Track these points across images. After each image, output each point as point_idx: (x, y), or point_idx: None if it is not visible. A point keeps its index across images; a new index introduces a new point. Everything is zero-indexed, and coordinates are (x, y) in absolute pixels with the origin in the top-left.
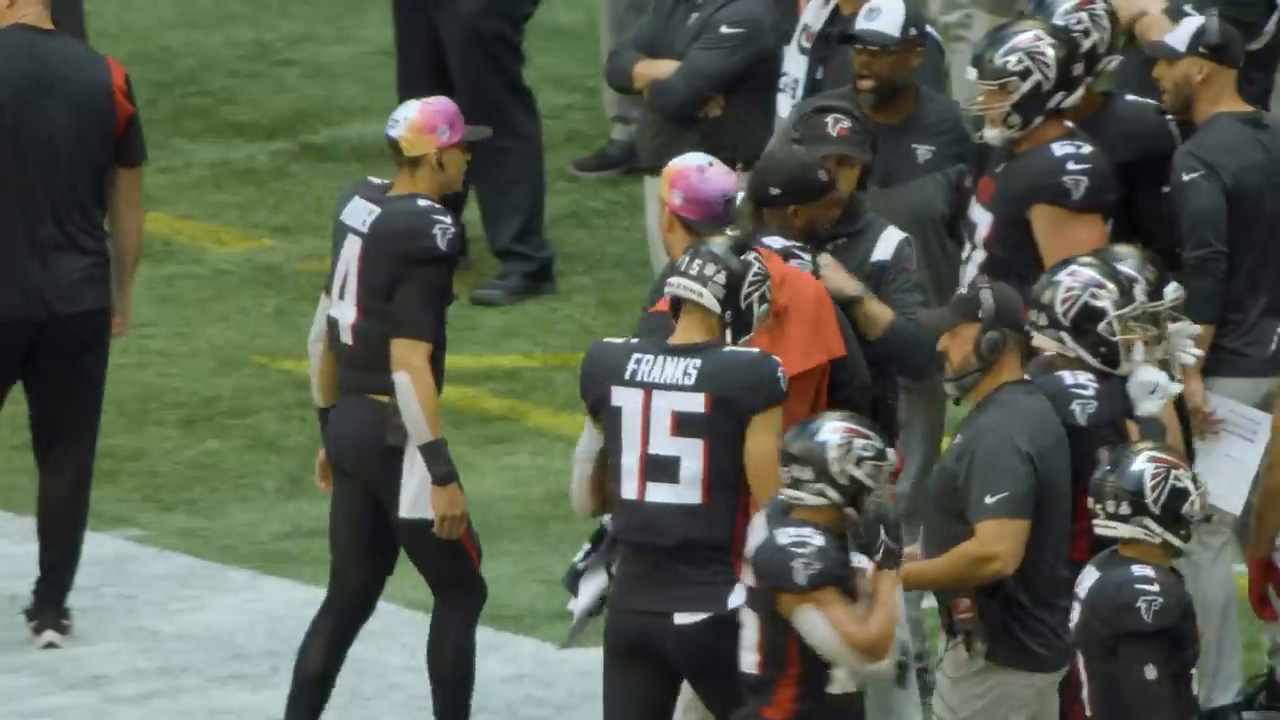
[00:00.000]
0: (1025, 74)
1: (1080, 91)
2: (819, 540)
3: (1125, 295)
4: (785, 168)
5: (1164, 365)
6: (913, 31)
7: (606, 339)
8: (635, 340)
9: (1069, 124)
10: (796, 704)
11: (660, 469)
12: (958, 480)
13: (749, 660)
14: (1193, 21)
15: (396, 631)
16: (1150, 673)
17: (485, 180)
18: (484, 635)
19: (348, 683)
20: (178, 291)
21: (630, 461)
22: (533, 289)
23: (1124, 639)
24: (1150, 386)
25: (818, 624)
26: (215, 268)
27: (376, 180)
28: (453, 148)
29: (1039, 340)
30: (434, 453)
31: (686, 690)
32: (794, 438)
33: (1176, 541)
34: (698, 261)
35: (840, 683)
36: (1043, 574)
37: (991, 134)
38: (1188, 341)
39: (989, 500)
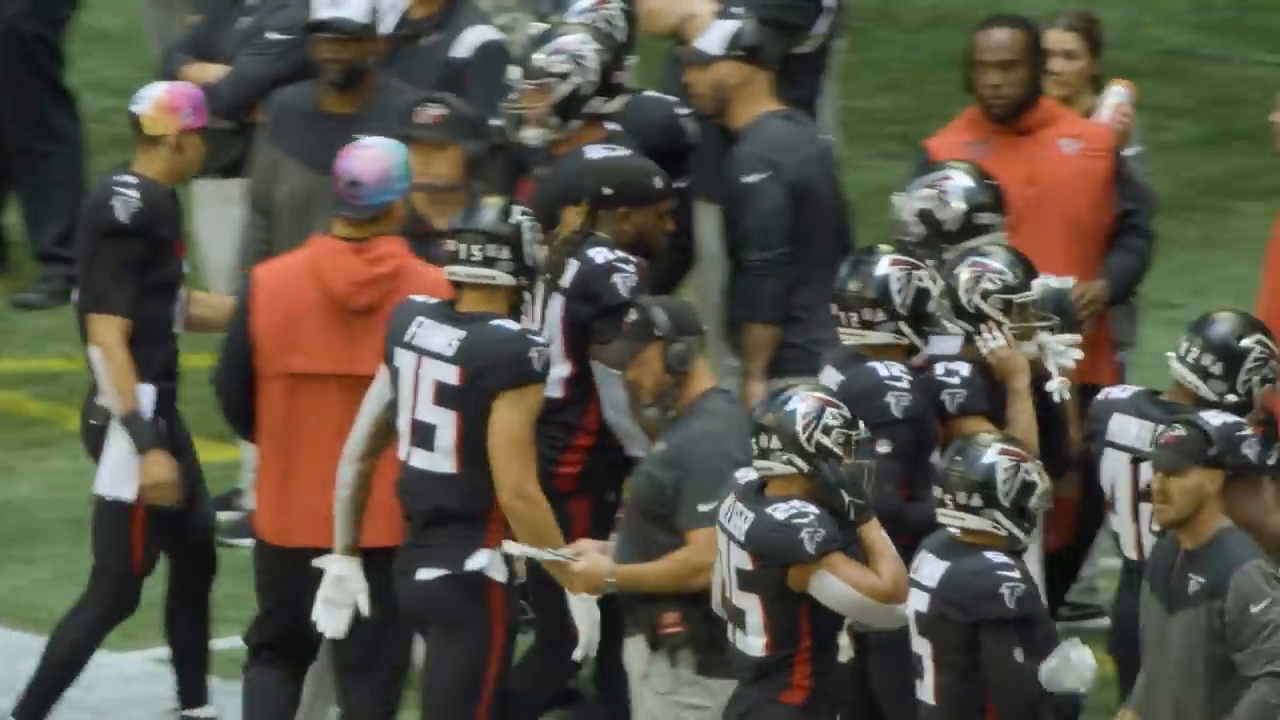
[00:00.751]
0: (566, 76)
1: (624, 98)
2: (814, 509)
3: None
4: (621, 169)
5: (1034, 366)
6: (376, 19)
7: (416, 295)
8: (431, 301)
9: (611, 127)
10: (811, 679)
11: (422, 435)
12: (666, 488)
13: (755, 644)
14: (725, 25)
15: None
16: (1019, 656)
17: (27, 184)
18: (23, 639)
19: None
20: None
21: (403, 423)
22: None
23: (987, 626)
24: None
25: (836, 587)
26: None
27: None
28: (194, 132)
29: (873, 338)
30: (131, 424)
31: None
32: (765, 408)
33: (1020, 534)
34: (476, 248)
35: (846, 650)
36: None
37: (530, 134)
38: (1066, 349)
39: (703, 509)
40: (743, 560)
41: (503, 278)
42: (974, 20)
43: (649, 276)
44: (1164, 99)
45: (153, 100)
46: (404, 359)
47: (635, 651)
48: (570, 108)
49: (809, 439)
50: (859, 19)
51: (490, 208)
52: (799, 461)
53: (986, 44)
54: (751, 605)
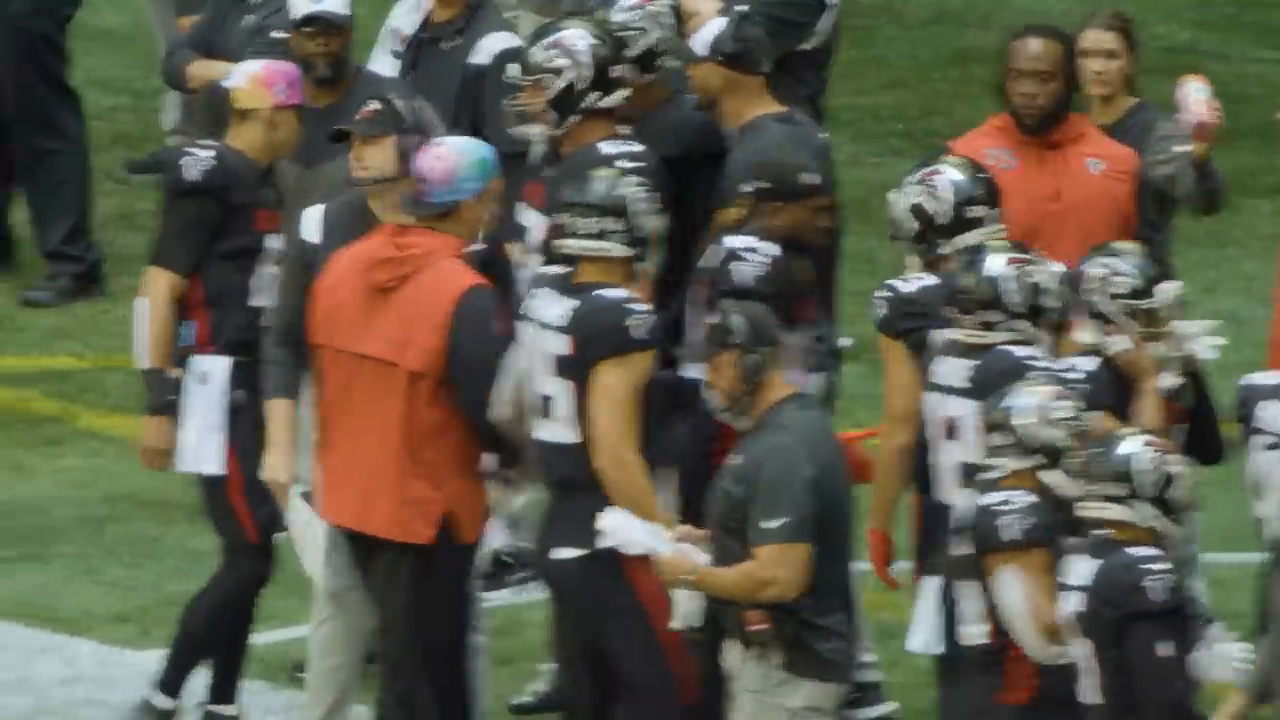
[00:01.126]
0: (560, 71)
1: (623, 93)
2: (1029, 498)
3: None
4: (772, 164)
5: (1162, 365)
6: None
7: (544, 268)
8: (553, 272)
9: (617, 126)
10: (1035, 679)
11: (544, 406)
12: (739, 504)
13: (977, 632)
14: (714, 26)
15: None
16: (1163, 650)
17: (33, 182)
18: (40, 638)
19: None
20: None
21: (532, 395)
22: (82, 290)
23: (1134, 619)
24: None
25: (1012, 587)
26: None
27: None
28: (288, 109)
29: (993, 338)
30: (150, 380)
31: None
32: (990, 406)
33: (1164, 526)
34: (592, 220)
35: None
36: (832, 584)
37: (533, 131)
38: (1203, 338)
39: (767, 525)
40: (964, 544)
41: (616, 249)
42: (976, 17)
43: (783, 270)
44: (1166, 96)
45: (248, 75)
46: (525, 331)
47: (732, 653)
48: (566, 103)
49: (1035, 434)
50: (863, 16)
51: (601, 180)
52: (1030, 459)
53: (1023, 53)
54: (971, 592)
